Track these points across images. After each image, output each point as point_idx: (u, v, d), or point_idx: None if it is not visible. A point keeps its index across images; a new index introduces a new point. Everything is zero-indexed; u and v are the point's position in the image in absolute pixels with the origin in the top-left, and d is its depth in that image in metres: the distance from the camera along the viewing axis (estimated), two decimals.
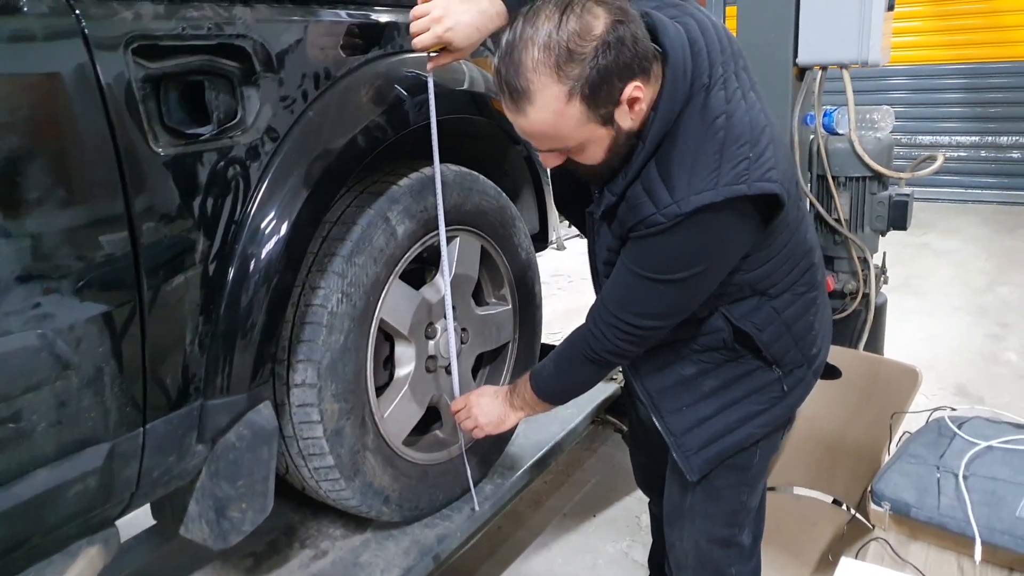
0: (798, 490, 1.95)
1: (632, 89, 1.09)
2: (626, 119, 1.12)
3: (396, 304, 1.52)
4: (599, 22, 1.05)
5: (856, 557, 1.36)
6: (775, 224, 1.21)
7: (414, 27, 1.25)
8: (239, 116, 1.21)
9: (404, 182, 1.50)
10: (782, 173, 1.17)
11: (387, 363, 1.63)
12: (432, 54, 1.28)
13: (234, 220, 1.21)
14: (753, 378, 1.38)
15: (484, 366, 1.88)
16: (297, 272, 1.29)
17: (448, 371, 1.60)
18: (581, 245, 1.55)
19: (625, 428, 2.21)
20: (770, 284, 1.30)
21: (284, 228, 1.25)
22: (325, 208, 1.32)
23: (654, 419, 1.44)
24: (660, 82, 1.13)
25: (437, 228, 1.47)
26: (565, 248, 2.61)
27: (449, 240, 1.63)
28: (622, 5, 1.08)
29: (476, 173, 1.68)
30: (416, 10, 1.26)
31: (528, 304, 1.87)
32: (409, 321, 1.56)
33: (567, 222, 1.66)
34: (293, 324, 1.39)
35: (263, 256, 1.23)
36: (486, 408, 1.51)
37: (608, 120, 1.12)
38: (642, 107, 1.12)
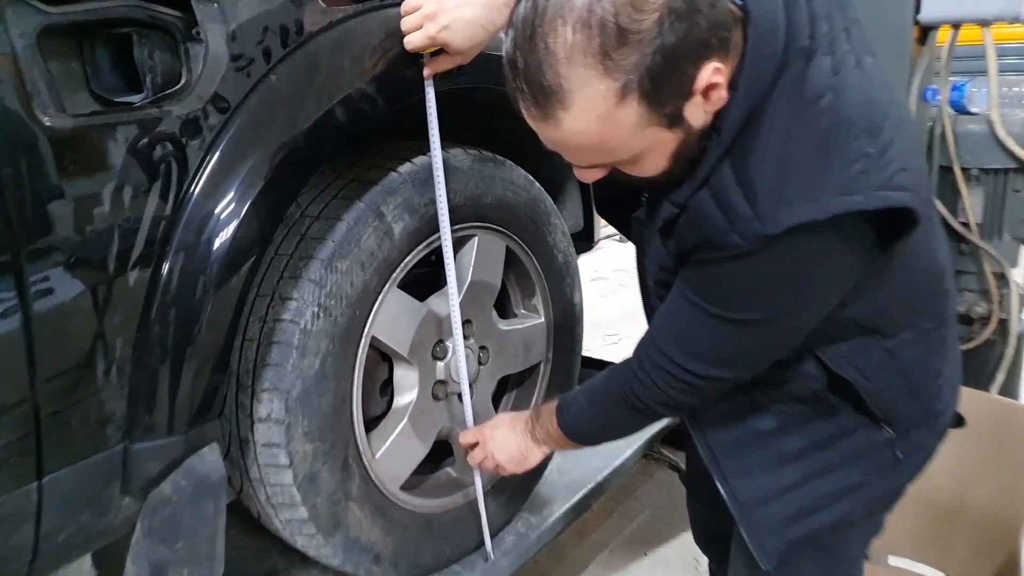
0: (898, 560, 1.58)
1: (710, 73, 0.76)
2: (699, 114, 0.80)
3: (393, 318, 1.23)
4: None
5: None
6: (899, 244, 0.86)
7: (404, 24, 1.06)
8: (183, 80, 0.94)
9: (405, 168, 1.20)
10: (914, 174, 0.83)
11: (386, 388, 1.34)
12: (428, 55, 1.07)
13: (164, 214, 0.93)
14: (854, 439, 1.05)
15: (510, 391, 1.58)
16: (250, 281, 1.00)
17: (461, 398, 1.30)
18: None
19: (682, 467, 1.87)
20: (886, 320, 0.96)
21: (233, 224, 0.96)
22: (290, 198, 1.03)
23: (716, 481, 1.12)
24: (740, 51, 0.79)
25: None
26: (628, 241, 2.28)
27: (466, 239, 1.33)
28: None
29: (501, 158, 1.36)
30: (406, 4, 1.04)
31: (565, 317, 1.55)
32: (410, 339, 1.26)
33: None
34: (259, 343, 1.12)
35: (203, 261, 0.95)
36: (502, 442, 1.23)
37: (675, 120, 0.79)
38: (721, 95, 0.79)
